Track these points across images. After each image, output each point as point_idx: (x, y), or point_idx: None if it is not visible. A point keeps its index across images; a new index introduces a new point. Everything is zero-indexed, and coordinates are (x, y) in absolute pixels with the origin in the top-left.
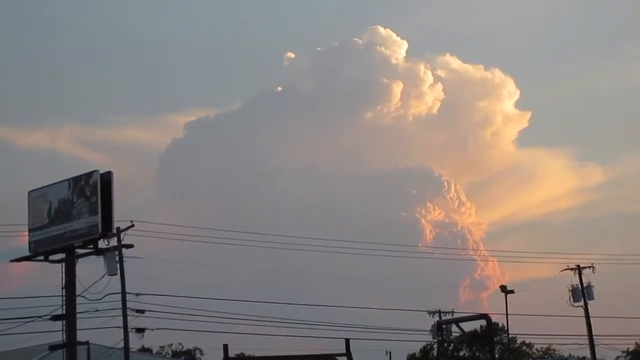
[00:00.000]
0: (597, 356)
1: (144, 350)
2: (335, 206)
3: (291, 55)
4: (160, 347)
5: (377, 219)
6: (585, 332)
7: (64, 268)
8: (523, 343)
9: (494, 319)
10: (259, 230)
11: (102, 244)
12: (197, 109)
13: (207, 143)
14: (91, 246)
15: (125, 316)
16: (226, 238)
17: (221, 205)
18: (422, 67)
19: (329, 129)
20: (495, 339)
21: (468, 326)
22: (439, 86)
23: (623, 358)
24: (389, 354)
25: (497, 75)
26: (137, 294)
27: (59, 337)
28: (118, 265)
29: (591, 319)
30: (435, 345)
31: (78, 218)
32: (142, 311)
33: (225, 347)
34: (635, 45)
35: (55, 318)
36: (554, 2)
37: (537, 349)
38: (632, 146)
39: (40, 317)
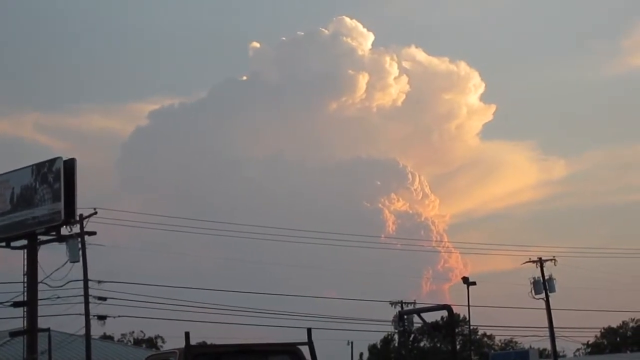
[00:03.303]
0: (558, 348)
1: (106, 337)
2: (299, 196)
3: (256, 44)
4: (121, 334)
5: (341, 209)
6: (546, 325)
7: (25, 254)
8: (484, 335)
9: (456, 310)
10: (222, 219)
11: (64, 230)
12: (161, 98)
13: (171, 132)
14: (53, 233)
15: (87, 303)
16: (189, 226)
17: (185, 194)
18: (387, 59)
19: (294, 118)
20: (457, 330)
21: (430, 317)
22: (405, 78)
23: (583, 350)
24: (350, 344)
25: (463, 68)
26: (100, 282)
27: (20, 324)
28: (80, 253)
29: (552, 311)
30: (396, 336)
31: (40, 205)
32: (104, 298)
33: (187, 334)
34: (600, 40)
35: (16, 305)
36: None
37: (498, 341)
38: (595, 140)
39: (1, 303)
